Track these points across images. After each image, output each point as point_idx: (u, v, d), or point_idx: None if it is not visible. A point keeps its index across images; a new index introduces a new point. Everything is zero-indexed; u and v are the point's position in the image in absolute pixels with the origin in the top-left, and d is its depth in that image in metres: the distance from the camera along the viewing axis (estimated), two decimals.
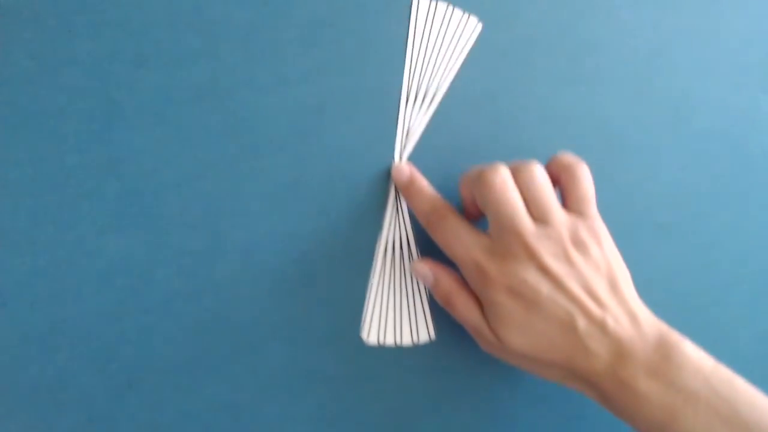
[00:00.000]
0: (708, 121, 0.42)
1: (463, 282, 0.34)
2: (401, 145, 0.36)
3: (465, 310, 0.33)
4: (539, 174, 0.32)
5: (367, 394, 0.37)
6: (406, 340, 0.37)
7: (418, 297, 0.37)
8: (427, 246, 0.37)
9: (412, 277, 0.37)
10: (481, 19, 0.37)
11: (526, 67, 0.38)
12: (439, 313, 0.36)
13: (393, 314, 0.37)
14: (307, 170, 0.35)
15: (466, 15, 0.36)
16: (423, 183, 0.35)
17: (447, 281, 0.34)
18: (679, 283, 0.42)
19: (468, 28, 0.36)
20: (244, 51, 0.34)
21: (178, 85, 0.33)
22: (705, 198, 0.42)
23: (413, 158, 0.37)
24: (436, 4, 0.36)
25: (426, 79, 0.36)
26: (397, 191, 0.36)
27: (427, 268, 0.35)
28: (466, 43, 0.36)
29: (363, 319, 0.36)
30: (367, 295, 0.36)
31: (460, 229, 0.33)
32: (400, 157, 0.36)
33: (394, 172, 0.36)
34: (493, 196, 0.31)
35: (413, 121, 0.36)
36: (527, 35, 0.38)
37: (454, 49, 0.36)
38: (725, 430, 0.29)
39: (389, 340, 0.37)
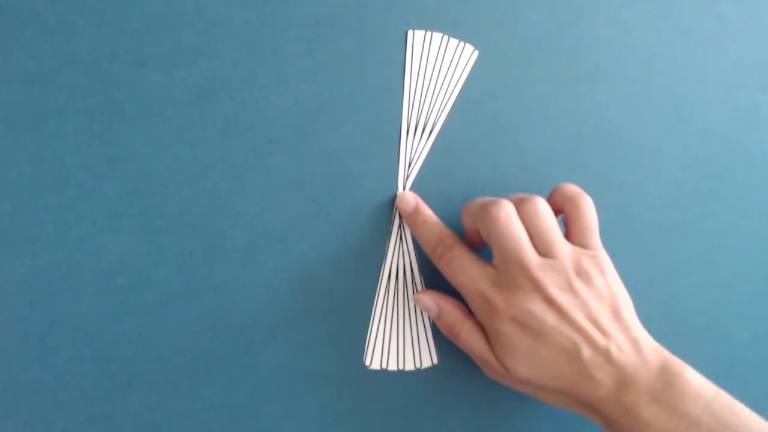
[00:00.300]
0: (708, 121, 0.42)
1: (468, 312, 0.34)
2: (404, 176, 0.36)
3: (470, 340, 0.34)
4: (543, 208, 0.33)
5: (366, 395, 0.37)
6: (409, 366, 0.37)
7: (421, 323, 0.37)
8: (431, 274, 0.37)
9: (415, 305, 0.37)
10: (477, 43, 0.37)
11: (526, 82, 0.38)
12: (442, 337, 0.36)
13: (396, 340, 0.37)
14: (308, 171, 0.35)
15: (462, 43, 0.36)
16: (428, 213, 0.36)
17: (451, 312, 0.34)
18: (679, 283, 0.42)
19: (464, 57, 0.36)
20: (244, 51, 0.34)
21: (178, 85, 0.33)
22: (705, 198, 0.42)
23: (416, 186, 0.37)
24: (431, 35, 0.36)
25: (425, 109, 0.36)
26: (401, 219, 0.36)
27: (430, 300, 0.35)
28: (463, 72, 0.37)
29: (365, 345, 0.36)
30: (370, 323, 0.36)
31: (466, 260, 0.33)
32: (404, 187, 0.36)
33: (399, 202, 0.36)
34: (498, 230, 0.32)
35: (415, 151, 0.36)
36: (525, 55, 0.38)
37: (452, 78, 0.36)
38: None
39: (392, 366, 0.37)
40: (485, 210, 0.33)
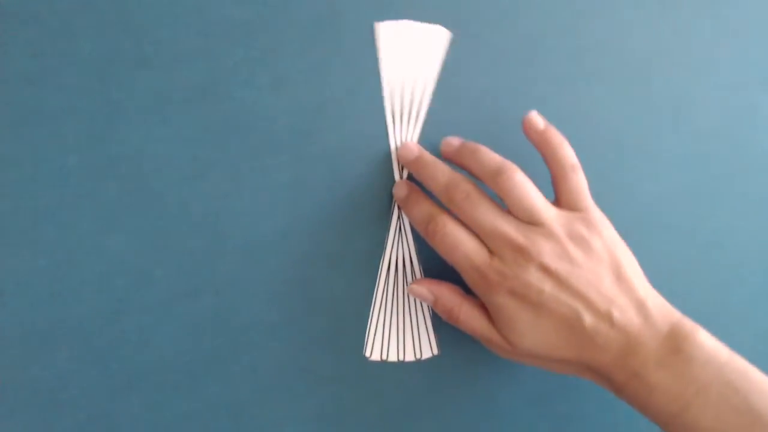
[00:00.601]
0: (708, 121, 0.42)
1: (465, 294, 0.34)
2: (399, 166, 0.36)
3: (470, 320, 0.33)
4: (519, 179, 0.32)
5: (366, 394, 0.37)
6: (409, 357, 0.37)
7: (421, 314, 0.37)
8: (430, 264, 0.37)
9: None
10: (478, 41, 0.37)
11: (525, 68, 0.38)
12: (442, 327, 0.36)
13: (396, 331, 0.37)
14: (307, 170, 0.35)
15: (433, 26, 0.36)
16: (421, 194, 0.35)
17: (448, 296, 0.34)
18: (679, 283, 0.42)
19: (436, 39, 0.36)
20: (244, 51, 0.34)
21: (178, 85, 0.33)
22: (705, 198, 0.42)
23: (412, 175, 0.37)
24: (401, 24, 0.36)
25: (407, 97, 0.36)
26: (399, 210, 0.37)
27: (424, 288, 0.35)
28: (437, 54, 0.37)
29: (366, 337, 0.36)
30: (370, 315, 0.36)
31: (460, 236, 0.32)
32: (400, 176, 0.36)
33: (394, 190, 0.36)
34: (467, 214, 0.32)
35: (405, 139, 0.36)
36: (525, 55, 0.38)
37: (427, 61, 0.36)
38: (736, 419, 0.29)
39: (392, 357, 0.37)
40: (447, 193, 0.32)
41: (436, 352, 0.38)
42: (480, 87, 0.38)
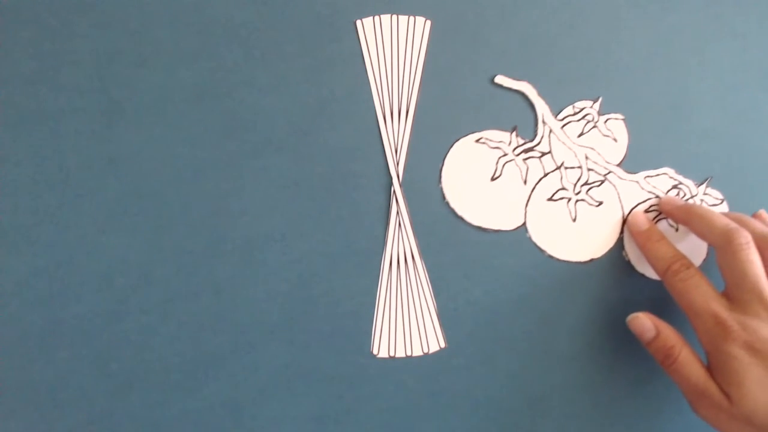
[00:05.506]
0: (708, 121, 0.42)
1: (685, 339, 0.34)
2: (395, 162, 0.36)
3: (687, 365, 0.33)
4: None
5: (367, 394, 0.37)
6: (417, 351, 0.37)
7: (426, 307, 0.37)
8: (432, 258, 0.37)
9: (419, 290, 0.37)
10: (475, 42, 0.37)
11: (522, 66, 0.38)
12: (448, 319, 0.36)
13: (402, 327, 0.37)
14: (307, 170, 0.35)
15: (413, 18, 0.36)
16: (661, 234, 0.36)
17: (670, 335, 0.34)
18: None
19: (418, 30, 0.36)
20: (244, 51, 0.34)
21: (178, 85, 0.33)
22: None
23: (409, 169, 0.37)
24: (381, 19, 0.36)
25: (395, 92, 0.36)
26: (398, 205, 0.36)
27: (648, 321, 0.35)
28: (420, 45, 0.37)
29: (372, 335, 0.36)
30: (375, 312, 0.36)
31: (702, 280, 0.33)
32: (397, 174, 0.36)
33: (631, 219, 0.37)
34: (741, 257, 0.32)
35: (398, 134, 0.36)
36: (525, 56, 0.38)
37: (412, 54, 0.36)
38: None
39: (400, 353, 0.37)
40: (729, 236, 0.33)
41: (443, 345, 0.38)
42: (471, 83, 0.38)
